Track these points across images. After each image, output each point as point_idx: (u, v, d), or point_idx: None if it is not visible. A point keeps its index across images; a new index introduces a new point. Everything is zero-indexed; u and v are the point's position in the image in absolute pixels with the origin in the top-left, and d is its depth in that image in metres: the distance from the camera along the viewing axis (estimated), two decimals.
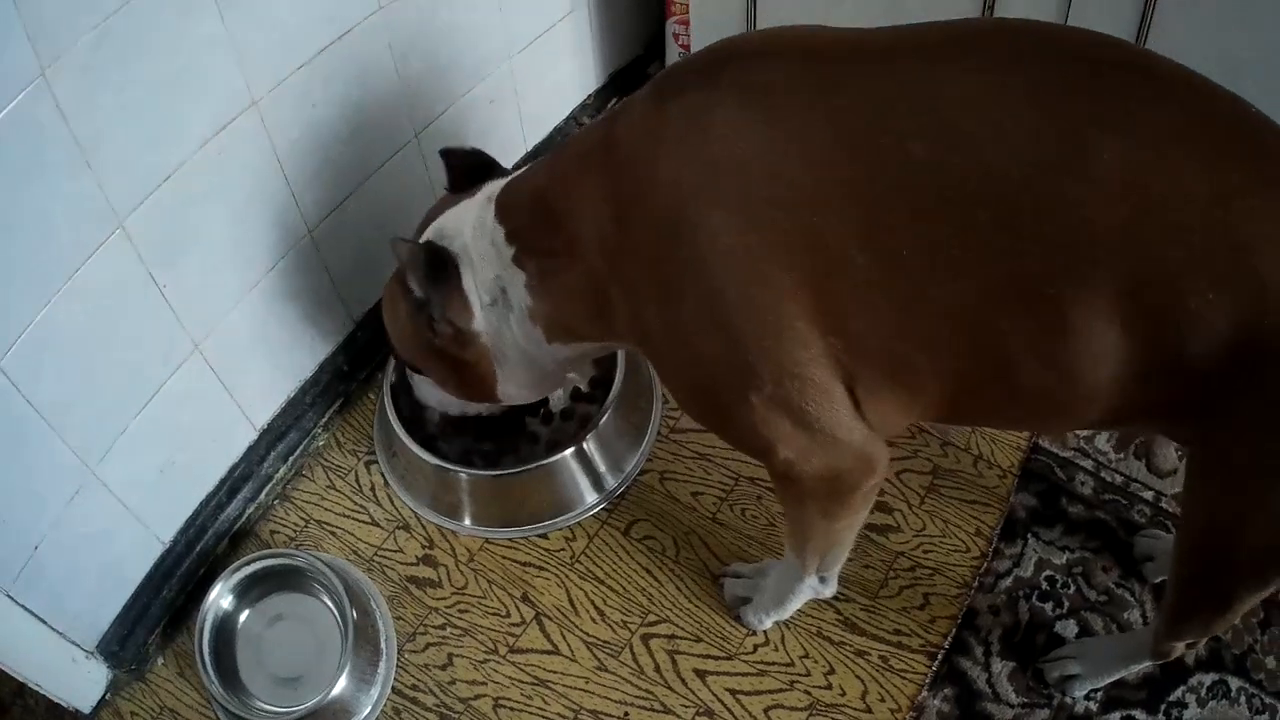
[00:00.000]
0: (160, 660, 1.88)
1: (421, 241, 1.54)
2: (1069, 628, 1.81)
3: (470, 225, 1.51)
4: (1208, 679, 1.74)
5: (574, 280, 1.43)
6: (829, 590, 1.71)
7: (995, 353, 1.19)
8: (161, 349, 1.71)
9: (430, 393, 1.85)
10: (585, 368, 2.02)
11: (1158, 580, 1.83)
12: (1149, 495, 1.92)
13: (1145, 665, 1.69)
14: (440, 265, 1.51)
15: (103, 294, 1.54)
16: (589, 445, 1.93)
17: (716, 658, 1.82)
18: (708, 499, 1.99)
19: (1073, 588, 1.84)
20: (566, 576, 1.92)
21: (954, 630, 1.81)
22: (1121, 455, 1.97)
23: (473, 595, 1.92)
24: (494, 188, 1.52)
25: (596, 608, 1.89)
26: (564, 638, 1.86)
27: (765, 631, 1.83)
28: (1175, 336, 1.10)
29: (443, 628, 1.89)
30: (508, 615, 1.89)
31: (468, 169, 1.63)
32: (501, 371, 1.62)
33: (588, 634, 1.86)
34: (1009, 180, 1.11)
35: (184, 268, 1.66)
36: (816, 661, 1.80)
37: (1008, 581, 1.85)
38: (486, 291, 1.52)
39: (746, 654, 1.82)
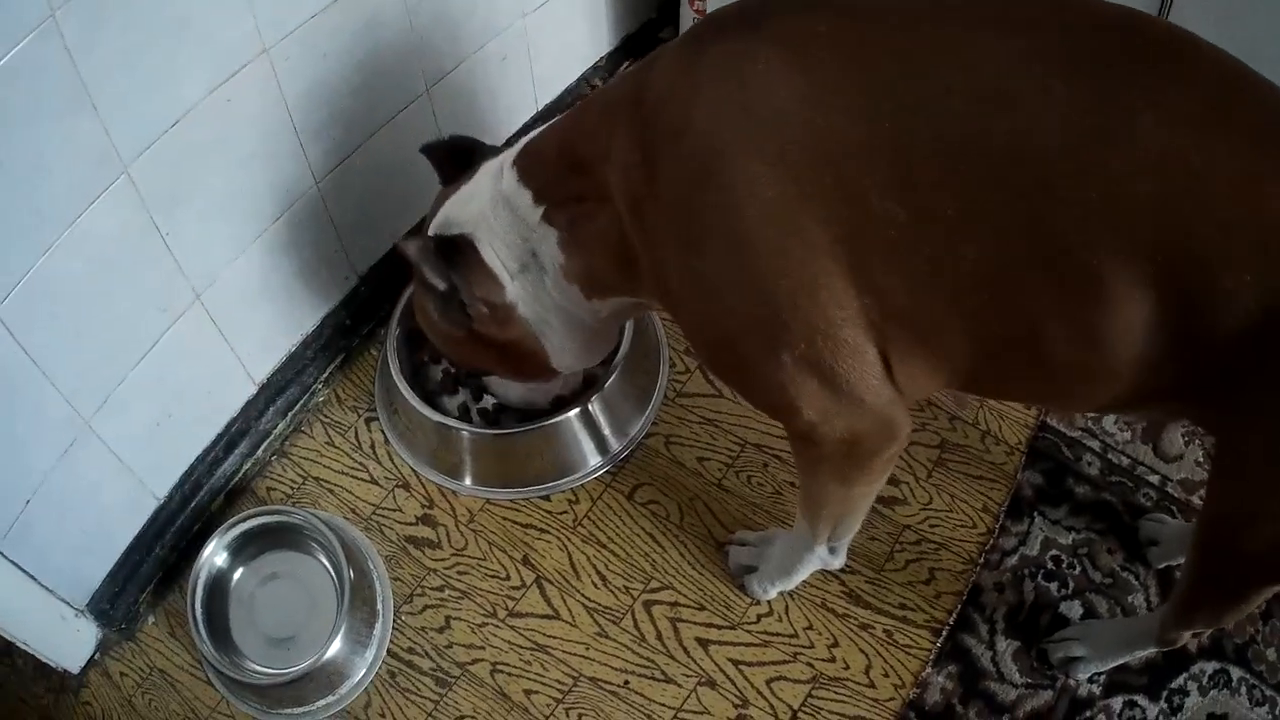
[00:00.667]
0: (151, 619, 1.85)
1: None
2: (1074, 609, 1.80)
3: (485, 199, 1.48)
4: (1210, 668, 1.74)
5: (603, 227, 1.39)
6: (838, 561, 1.70)
7: (1026, 316, 1.17)
8: (162, 298, 1.67)
9: (510, 391, 1.86)
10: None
11: (1162, 565, 1.83)
12: (1155, 479, 1.92)
13: (1150, 651, 1.68)
14: (453, 249, 1.48)
15: (105, 240, 1.50)
16: (594, 406, 1.91)
17: (719, 627, 1.81)
18: (713, 465, 1.97)
19: (1078, 568, 1.84)
20: (568, 540, 1.90)
21: (959, 607, 1.80)
22: (1129, 438, 1.97)
23: (472, 557, 1.89)
24: (504, 158, 1.49)
25: (598, 572, 1.87)
26: (564, 602, 1.84)
27: (769, 602, 1.82)
28: (1205, 313, 1.08)
29: (441, 589, 1.86)
30: (508, 578, 1.87)
31: (453, 157, 1.60)
32: (548, 342, 1.59)
33: (589, 599, 1.84)
34: (1049, 144, 1.09)
35: (187, 216, 1.62)
36: (820, 634, 1.79)
37: (1013, 560, 1.85)
38: (514, 259, 1.49)
39: (750, 624, 1.81)
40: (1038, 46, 1.11)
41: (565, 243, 1.44)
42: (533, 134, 1.51)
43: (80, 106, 1.36)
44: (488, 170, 1.51)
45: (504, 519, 1.93)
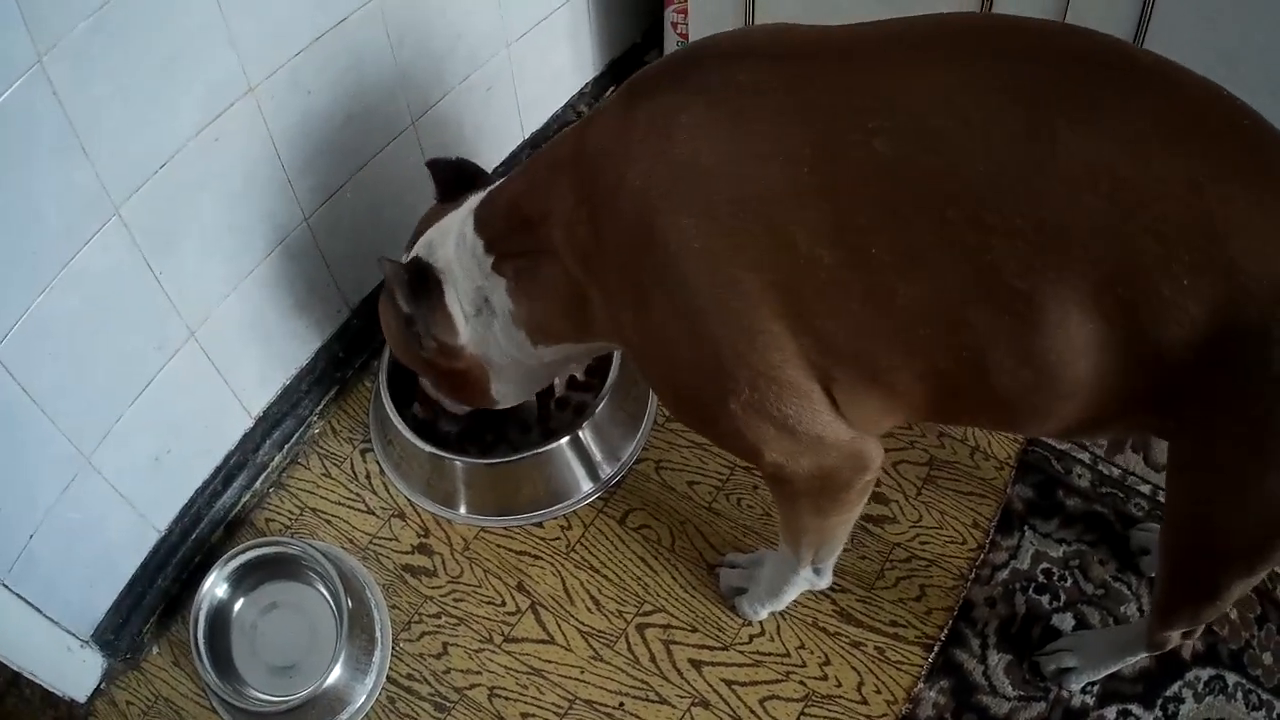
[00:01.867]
0: (155, 649, 1.88)
1: (410, 258, 1.58)
2: (1065, 621, 1.81)
3: (453, 240, 1.53)
4: (1204, 674, 1.74)
5: (551, 280, 1.45)
6: (824, 582, 1.71)
7: (971, 350, 1.18)
8: (157, 336, 1.70)
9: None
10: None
11: (1153, 574, 1.82)
12: (1146, 489, 1.92)
13: (1141, 657, 1.68)
14: (424, 283, 1.54)
15: (98, 281, 1.53)
16: (585, 434, 1.93)
17: (712, 648, 1.82)
18: (703, 488, 1.99)
19: (1069, 580, 1.84)
20: (562, 565, 1.92)
21: (950, 622, 1.81)
22: (1119, 449, 1.97)
23: (468, 584, 1.92)
24: (475, 200, 1.54)
25: (592, 597, 1.89)
26: (559, 627, 1.86)
27: (761, 622, 1.83)
28: (1152, 326, 1.09)
29: (438, 616, 1.88)
30: (503, 604, 1.89)
31: (455, 179, 1.64)
32: (494, 375, 1.64)
33: (583, 623, 1.86)
34: (978, 176, 1.10)
35: (180, 255, 1.66)
36: (812, 652, 1.80)
37: (1004, 574, 1.85)
38: (470, 303, 1.54)
39: (742, 644, 1.82)
40: (968, 76, 1.13)
41: (513, 292, 1.50)
42: (498, 182, 1.56)
43: (70, 149, 1.40)
44: (465, 208, 1.55)
45: (498, 546, 1.95)
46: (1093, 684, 1.73)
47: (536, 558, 1.93)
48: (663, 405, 1.95)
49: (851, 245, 1.15)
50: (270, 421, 2.01)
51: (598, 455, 1.97)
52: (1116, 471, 1.94)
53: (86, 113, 1.39)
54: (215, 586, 1.81)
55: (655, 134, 1.23)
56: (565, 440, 1.91)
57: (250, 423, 1.98)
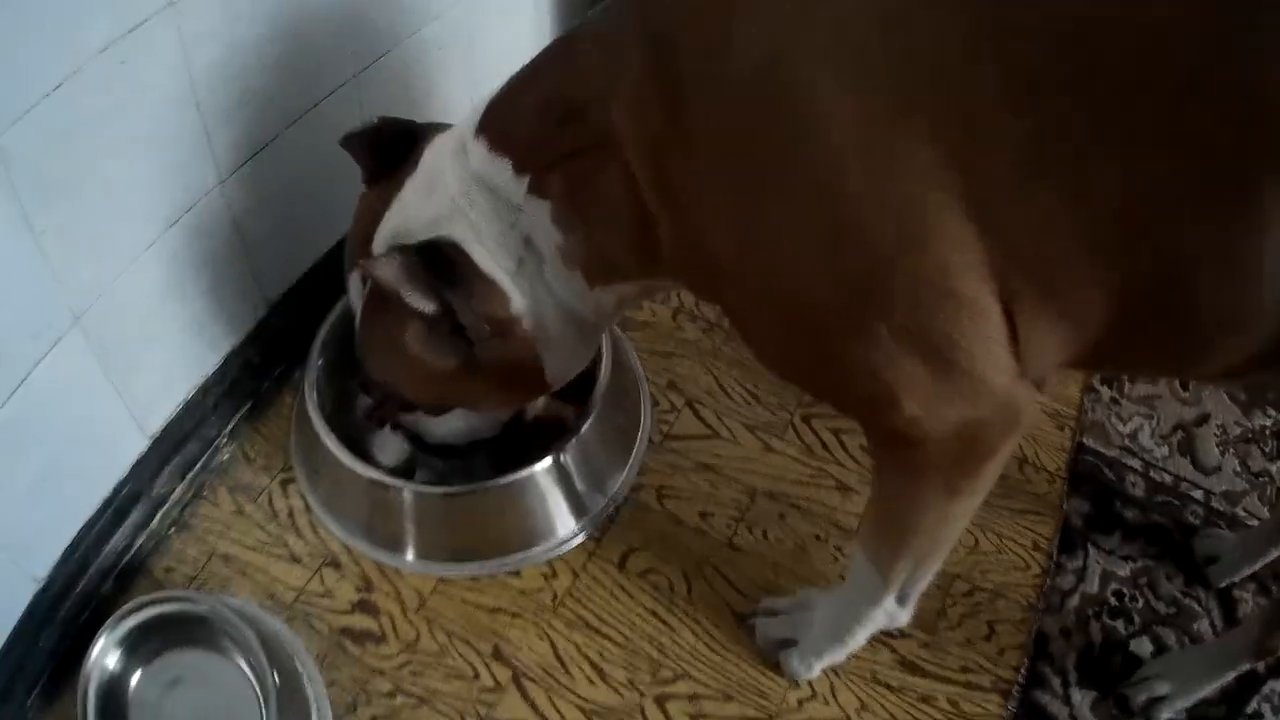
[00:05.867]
0: None
1: (386, 252, 1.22)
2: (1143, 645, 1.63)
3: (452, 188, 1.21)
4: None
5: (610, 186, 1.12)
6: (906, 615, 1.37)
7: (1172, 253, 0.94)
8: (32, 320, 1.31)
9: (448, 426, 1.54)
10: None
11: (1224, 584, 1.68)
12: (1198, 494, 1.81)
13: (1243, 669, 1.48)
14: (445, 260, 1.20)
15: None
16: (567, 457, 1.59)
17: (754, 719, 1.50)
18: (719, 520, 1.68)
19: (1141, 601, 1.67)
20: (549, 625, 1.57)
21: (1027, 661, 1.56)
22: (1167, 453, 1.86)
23: (428, 652, 1.53)
24: (461, 132, 1.22)
25: (592, 664, 1.54)
26: (553, 704, 1.50)
27: (810, 682, 1.52)
28: None
29: (392, 695, 1.49)
30: (476, 677, 1.52)
31: (383, 148, 1.32)
32: (547, 351, 1.30)
33: (584, 699, 1.51)
34: (1192, 45, 0.87)
35: (66, 210, 1.29)
36: (876, 714, 1.51)
37: (1074, 600, 1.65)
38: (508, 254, 1.21)
39: (791, 712, 1.50)
40: None
41: (560, 216, 1.17)
42: (493, 94, 1.23)
43: None
44: (442, 151, 1.23)
45: (464, 602, 1.59)
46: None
47: (515, 615, 1.57)
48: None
49: (1046, 113, 0.91)
50: (169, 443, 1.62)
51: (582, 484, 1.63)
52: (1168, 478, 1.83)
53: None
54: (105, 655, 1.38)
55: None
56: (542, 465, 1.57)
57: (145, 444, 1.58)
